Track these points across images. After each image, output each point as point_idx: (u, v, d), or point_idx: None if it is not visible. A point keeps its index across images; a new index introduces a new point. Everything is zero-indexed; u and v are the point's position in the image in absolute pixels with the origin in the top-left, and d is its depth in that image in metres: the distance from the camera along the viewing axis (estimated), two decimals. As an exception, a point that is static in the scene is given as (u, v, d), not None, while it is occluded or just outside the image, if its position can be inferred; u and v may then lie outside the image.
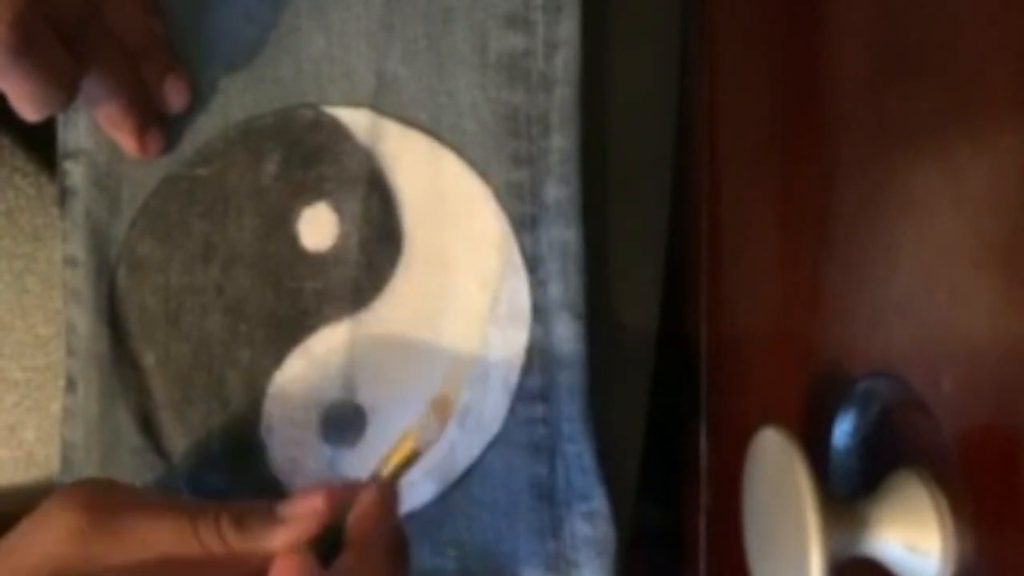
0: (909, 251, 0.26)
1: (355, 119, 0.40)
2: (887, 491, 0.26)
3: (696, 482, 0.40)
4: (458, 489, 0.39)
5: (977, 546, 0.24)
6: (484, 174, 0.39)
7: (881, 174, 0.28)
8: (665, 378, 0.40)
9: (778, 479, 0.27)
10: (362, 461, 0.39)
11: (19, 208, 0.43)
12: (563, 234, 0.39)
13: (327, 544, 0.34)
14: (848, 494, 0.28)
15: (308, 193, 0.40)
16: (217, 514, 0.33)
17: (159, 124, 0.40)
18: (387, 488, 0.35)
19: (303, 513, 0.33)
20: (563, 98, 0.39)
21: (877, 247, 0.28)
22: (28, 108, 0.34)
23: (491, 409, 0.39)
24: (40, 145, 0.43)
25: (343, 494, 0.34)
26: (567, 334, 0.39)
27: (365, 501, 0.34)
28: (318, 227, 0.40)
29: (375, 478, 0.35)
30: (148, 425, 0.40)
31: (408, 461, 0.36)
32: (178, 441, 0.40)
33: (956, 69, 0.25)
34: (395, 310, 0.40)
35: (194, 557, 0.33)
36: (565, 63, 0.39)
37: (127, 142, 0.39)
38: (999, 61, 0.23)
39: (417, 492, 0.39)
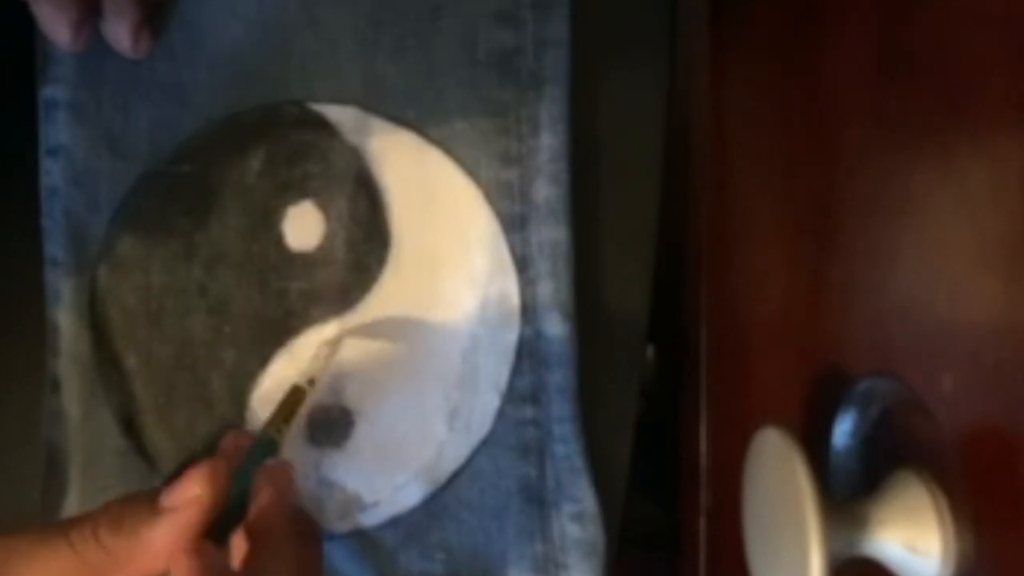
0: (909, 251, 0.26)
1: (342, 116, 0.39)
2: (887, 491, 0.26)
3: (696, 482, 0.40)
4: (446, 492, 0.39)
5: (977, 546, 0.24)
6: (473, 173, 0.39)
7: (881, 174, 0.28)
8: (665, 378, 0.40)
9: (778, 479, 0.27)
10: (349, 463, 0.39)
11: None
12: (553, 233, 0.38)
13: (224, 520, 0.33)
14: (848, 494, 0.28)
15: (293, 191, 0.39)
16: (94, 520, 0.31)
17: (150, 22, 0.38)
18: (279, 473, 0.34)
19: (183, 501, 0.32)
20: (553, 96, 0.38)
21: (877, 247, 0.28)
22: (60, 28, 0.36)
23: (480, 411, 0.39)
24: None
25: (221, 471, 0.33)
26: (557, 334, 0.38)
27: (262, 497, 0.33)
28: (304, 226, 0.39)
29: (264, 433, 0.35)
30: (131, 427, 0.39)
31: (295, 409, 0.37)
32: (162, 443, 0.39)
33: (956, 69, 0.25)
34: (383, 311, 0.39)
35: (77, 573, 0.31)
36: (555, 61, 0.38)
37: (122, 37, 0.37)
38: (999, 61, 0.23)
39: (405, 495, 0.39)
